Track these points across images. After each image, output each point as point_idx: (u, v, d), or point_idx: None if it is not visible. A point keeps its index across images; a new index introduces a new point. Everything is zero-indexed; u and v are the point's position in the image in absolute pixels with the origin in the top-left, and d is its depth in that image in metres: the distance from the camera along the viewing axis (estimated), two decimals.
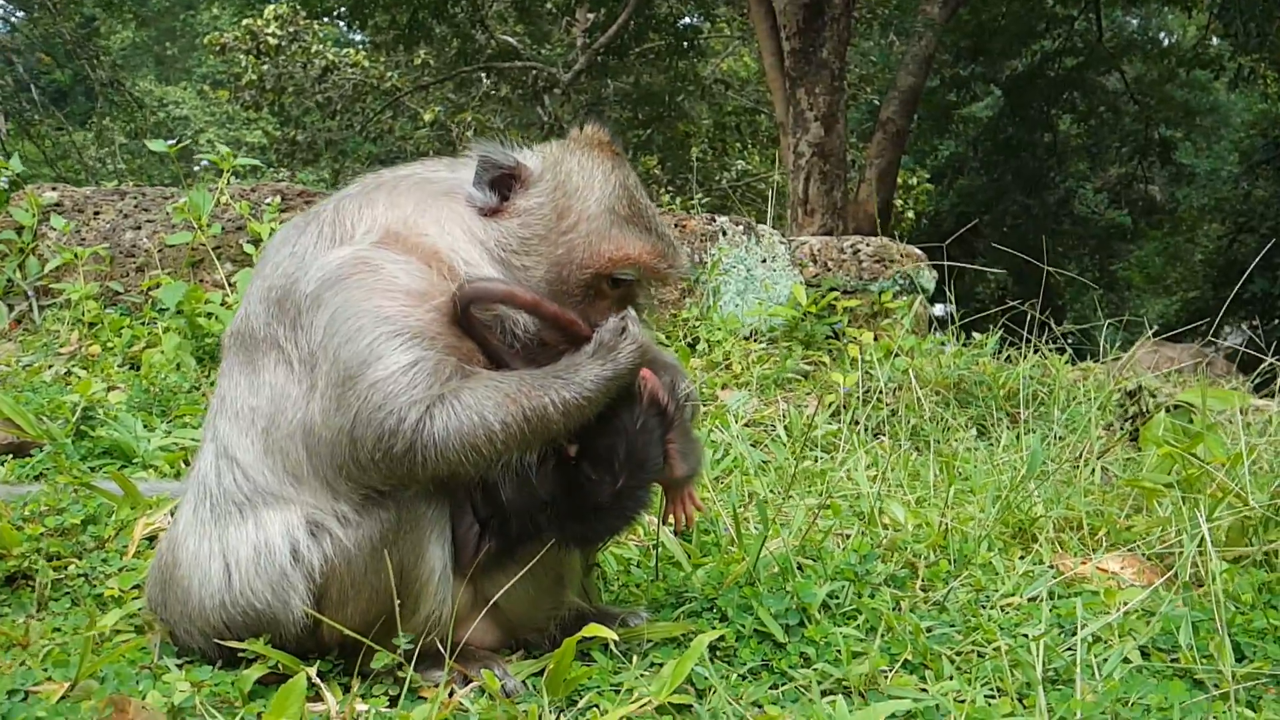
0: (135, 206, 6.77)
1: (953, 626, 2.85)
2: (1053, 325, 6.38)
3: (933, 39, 18.39)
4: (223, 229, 6.09)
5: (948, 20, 18.90)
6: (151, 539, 3.27)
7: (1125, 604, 2.77)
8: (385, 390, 2.34)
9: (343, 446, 2.37)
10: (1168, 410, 3.97)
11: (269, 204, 5.76)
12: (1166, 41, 29.22)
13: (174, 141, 6.29)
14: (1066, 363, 6.05)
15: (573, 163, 2.64)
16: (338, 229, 2.54)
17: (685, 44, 25.29)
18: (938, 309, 8.43)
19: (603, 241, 2.58)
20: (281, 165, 27.22)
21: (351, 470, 2.38)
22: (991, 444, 4.92)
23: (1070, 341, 6.87)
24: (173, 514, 2.89)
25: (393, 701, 2.45)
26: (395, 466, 2.36)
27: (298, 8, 24.60)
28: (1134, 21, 28.94)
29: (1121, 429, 4.67)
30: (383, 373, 2.35)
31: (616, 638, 2.51)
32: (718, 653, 2.76)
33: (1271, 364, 5.24)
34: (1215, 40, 22.70)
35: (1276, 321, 19.75)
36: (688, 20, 26.89)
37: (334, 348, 2.39)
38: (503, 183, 2.60)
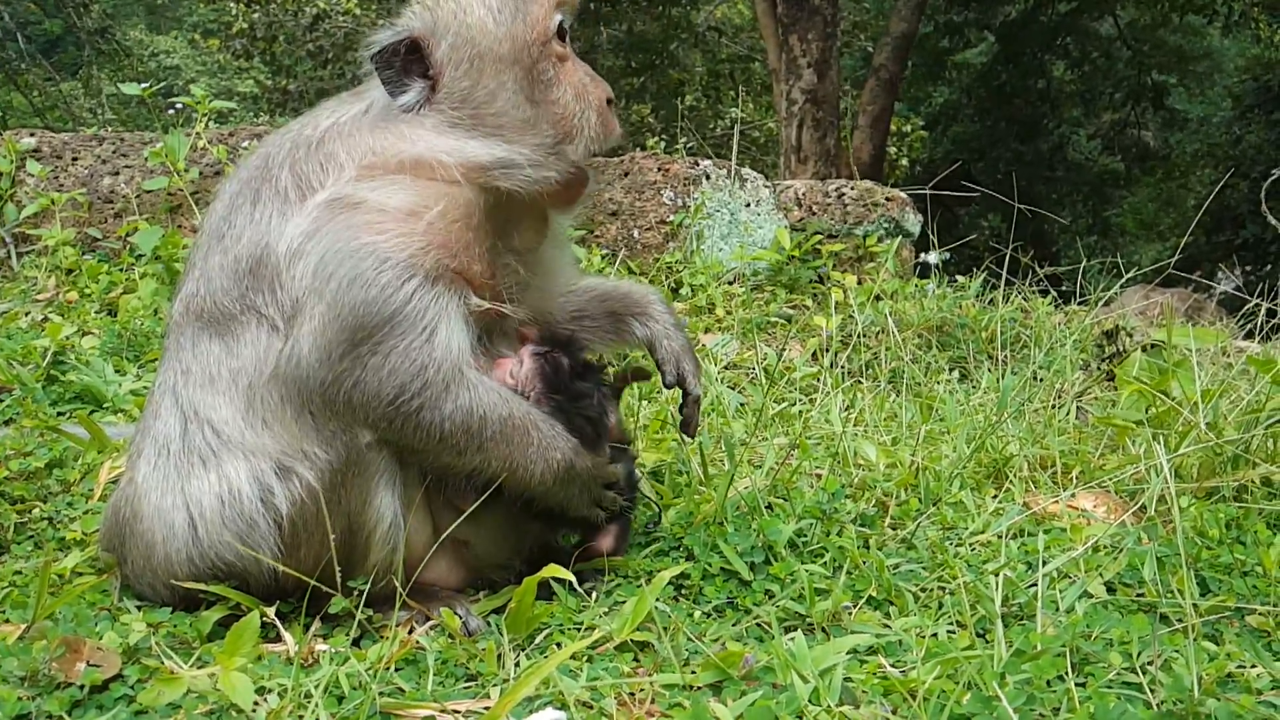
0: (113, 152, 6.70)
1: (920, 564, 2.84)
2: (1037, 268, 6.35)
3: None
4: (200, 174, 6.02)
5: None
6: (118, 481, 3.25)
7: (1090, 539, 2.76)
8: (412, 358, 2.36)
9: (342, 390, 2.36)
10: (1145, 350, 3.95)
11: (245, 148, 5.70)
12: None
13: (147, 85, 6.20)
14: (1050, 306, 6.02)
15: (453, 0, 2.61)
16: (301, 184, 2.48)
17: None
18: (931, 256, 8.39)
19: (527, 11, 2.60)
20: (274, 114, 27.00)
21: (340, 410, 2.37)
22: (971, 386, 4.90)
23: (1064, 287, 6.83)
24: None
25: (355, 643, 2.44)
26: (394, 421, 2.38)
27: None
28: None
29: (1098, 369, 4.65)
30: (404, 339, 2.36)
31: (574, 578, 2.49)
32: (683, 591, 2.75)
33: (1257, 306, 5.22)
34: None
35: (1269, 266, 19.69)
36: None
37: (332, 291, 2.35)
38: (413, 64, 2.55)
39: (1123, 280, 5.40)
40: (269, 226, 2.46)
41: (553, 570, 2.46)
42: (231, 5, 23.80)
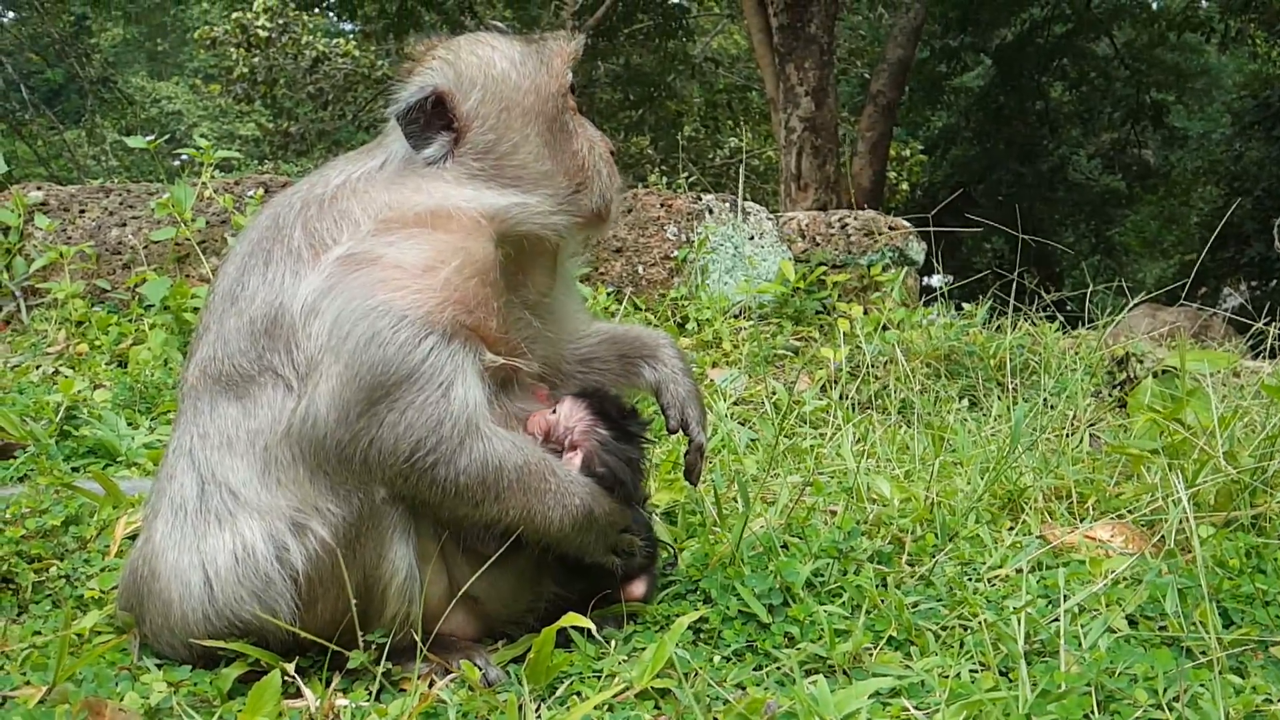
0: (120, 204, 6.74)
1: (939, 601, 2.83)
2: (1044, 293, 6.35)
3: (921, 10, 18.30)
4: (207, 223, 6.05)
5: None
6: (134, 537, 3.25)
7: (1110, 572, 2.75)
8: (427, 414, 2.36)
9: (359, 448, 2.36)
10: (1156, 375, 3.94)
11: (252, 196, 5.73)
12: (1155, 5, 29.04)
13: (153, 137, 6.25)
14: (1057, 330, 6.02)
15: (474, 53, 2.67)
16: (314, 241, 2.49)
17: (674, 23, 25.17)
18: (934, 279, 8.37)
19: (549, 64, 2.69)
20: (275, 158, 27.15)
21: (356, 468, 2.38)
22: (982, 415, 4.89)
23: (1069, 309, 6.84)
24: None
25: (375, 696, 2.43)
26: (409, 477, 2.39)
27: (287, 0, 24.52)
28: None
29: (1110, 396, 4.64)
30: (420, 395, 2.36)
31: (593, 626, 2.48)
32: (701, 635, 2.74)
33: (1264, 326, 5.21)
34: (1204, 2, 22.58)
35: (1274, 283, 19.67)
36: (676, 0, 26.74)
37: (349, 350, 2.35)
38: (437, 118, 2.59)
39: (1131, 305, 5.40)
40: (283, 286, 2.47)
41: (572, 619, 2.45)
42: (232, 50, 23.99)
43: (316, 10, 25.82)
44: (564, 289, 2.93)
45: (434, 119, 2.58)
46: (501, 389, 2.62)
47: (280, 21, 24.04)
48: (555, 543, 2.56)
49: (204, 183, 5.92)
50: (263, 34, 23.76)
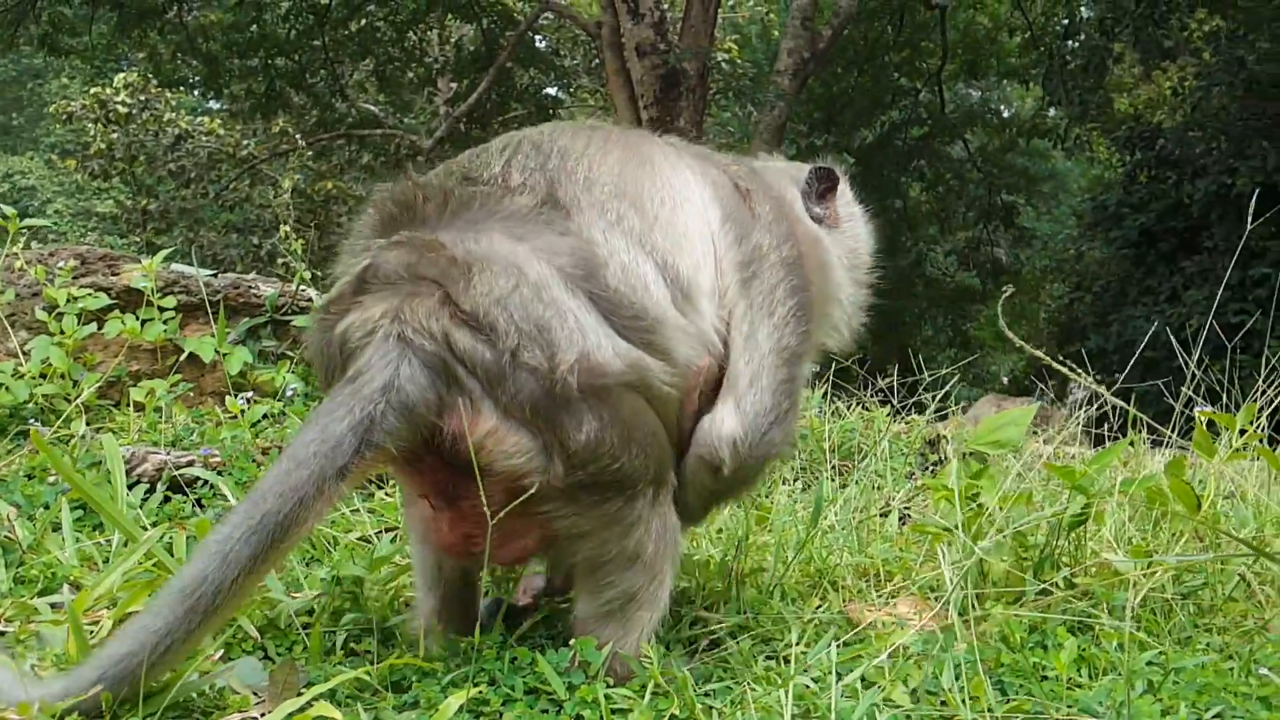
0: None
1: (733, 680, 2.78)
2: (876, 380, 6.48)
3: (785, 109, 18.87)
4: (17, 295, 5.79)
5: (798, 91, 19.44)
6: None
7: (892, 647, 2.74)
8: None
9: None
10: (964, 456, 4.02)
11: (62, 269, 5.50)
12: (1006, 113, 30.62)
13: None
14: (888, 415, 6.13)
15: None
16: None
17: (547, 113, 25.53)
18: None
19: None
20: (133, 235, 26.51)
21: None
22: (809, 497, 4.92)
23: (916, 398, 6.97)
24: None
25: None
26: None
27: (149, 76, 24.16)
28: (975, 94, 30.27)
29: (923, 477, 4.72)
30: None
31: (339, 715, 2.35)
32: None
33: (1104, 412, 5.38)
34: (1051, 110, 23.85)
35: (1116, 376, 20.51)
36: (551, 91, 27.19)
37: None
38: (828, 191, 3.14)
39: (993, 394, 5.54)
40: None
41: (322, 708, 2.31)
42: (90, 125, 23.47)
43: (181, 88, 25.52)
44: None
45: (825, 194, 3.21)
46: None
47: (141, 98, 23.65)
48: None
49: (14, 253, 5.66)
50: (122, 110, 23.32)
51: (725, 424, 2.52)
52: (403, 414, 2.16)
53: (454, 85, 25.57)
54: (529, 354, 2.16)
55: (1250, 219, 4.52)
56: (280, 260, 21.84)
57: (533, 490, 2.26)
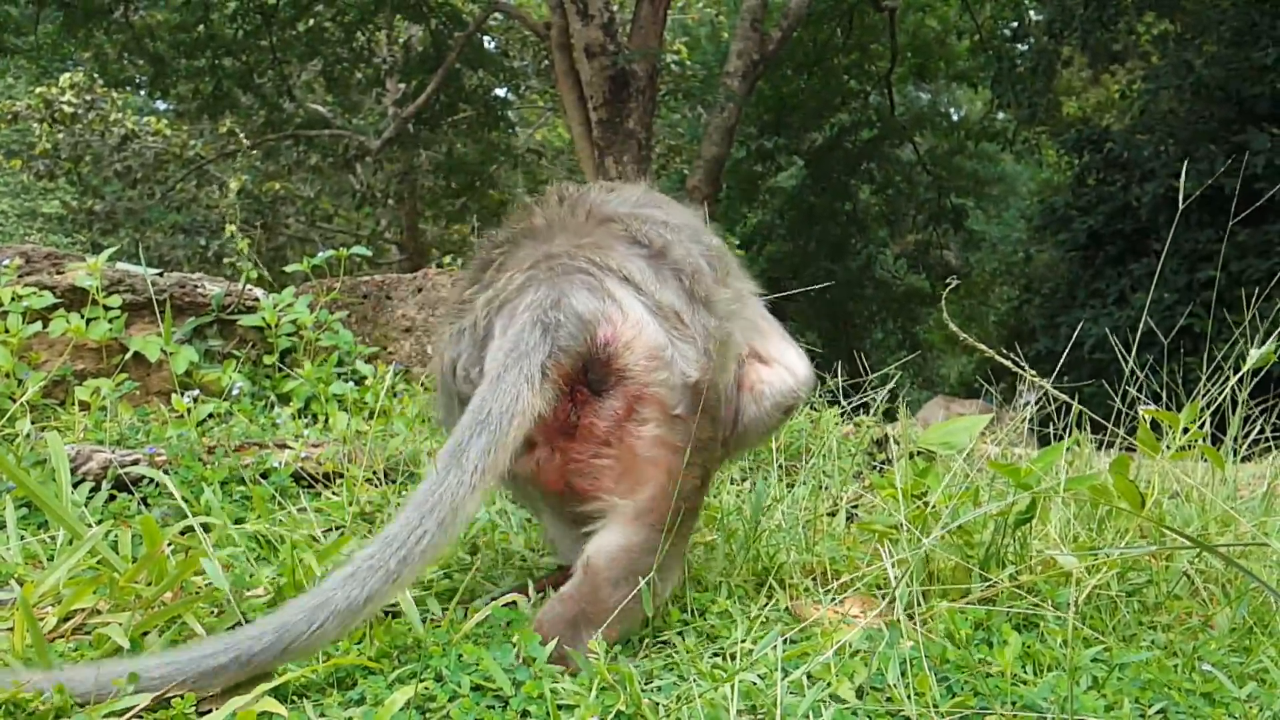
0: None
1: (679, 676, 2.78)
2: (828, 380, 6.51)
3: (735, 110, 18.93)
4: None
5: (748, 93, 19.51)
6: None
7: (837, 644, 2.76)
8: None
9: None
10: (912, 456, 4.05)
11: (6, 267, 5.41)
12: (955, 115, 30.93)
13: None
14: (837, 416, 6.16)
15: None
16: None
17: (496, 115, 25.44)
18: None
19: None
20: (79, 235, 26.14)
21: None
22: (758, 495, 4.93)
23: (864, 398, 7.01)
24: None
25: None
26: None
27: (95, 76, 23.81)
28: (925, 97, 30.56)
29: (871, 476, 4.75)
30: None
31: (285, 712, 2.33)
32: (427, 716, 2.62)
33: (1049, 413, 5.44)
34: (1000, 114, 24.11)
35: (1066, 378, 20.77)
36: (500, 92, 27.08)
37: None
38: None
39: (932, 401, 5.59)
40: None
41: (269, 704, 2.29)
42: (35, 126, 23.07)
43: (127, 88, 25.16)
44: None
45: None
46: None
47: (88, 98, 23.28)
48: None
49: None
50: (68, 109, 22.95)
51: (798, 368, 2.95)
52: (575, 320, 2.38)
53: (402, 86, 25.41)
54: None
55: (1189, 221, 4.58)
56: (227, 260, 21.62)
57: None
